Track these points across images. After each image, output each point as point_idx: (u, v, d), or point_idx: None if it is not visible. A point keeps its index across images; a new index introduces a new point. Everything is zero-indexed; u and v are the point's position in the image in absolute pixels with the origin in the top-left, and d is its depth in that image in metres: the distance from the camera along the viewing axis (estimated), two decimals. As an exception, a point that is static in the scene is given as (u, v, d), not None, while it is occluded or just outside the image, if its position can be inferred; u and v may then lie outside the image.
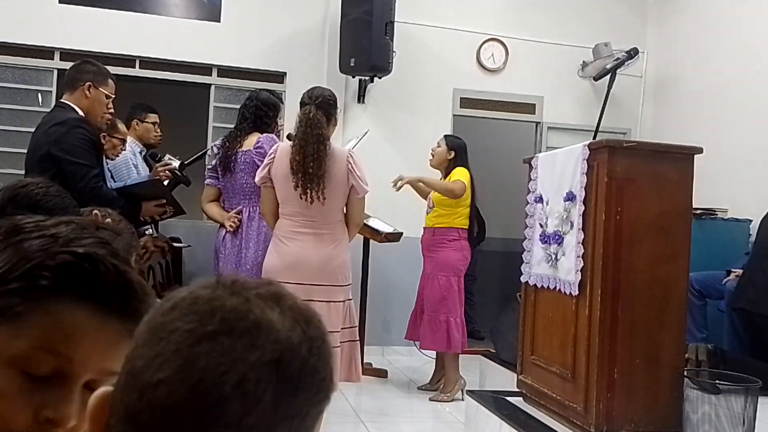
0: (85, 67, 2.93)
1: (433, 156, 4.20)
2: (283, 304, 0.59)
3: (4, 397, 0.65)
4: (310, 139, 2.72)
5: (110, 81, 2.95)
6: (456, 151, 4.14)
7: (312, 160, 2.69)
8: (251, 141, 3.24)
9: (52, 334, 0.66)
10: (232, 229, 3.20)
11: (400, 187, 4.11)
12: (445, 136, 4.29)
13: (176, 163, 3.68)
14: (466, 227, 4.08)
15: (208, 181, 3.41)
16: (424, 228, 4.22)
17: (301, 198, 2.71)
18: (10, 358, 0.65)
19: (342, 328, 2.81)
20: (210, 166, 3.43)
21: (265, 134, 3.25)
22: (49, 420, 0.67)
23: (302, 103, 2.84)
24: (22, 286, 0.66)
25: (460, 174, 4.05)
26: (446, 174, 4.13)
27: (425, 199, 4.30)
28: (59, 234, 0.70)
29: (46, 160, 2.75)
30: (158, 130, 4.31)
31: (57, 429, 0.68)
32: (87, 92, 2.87)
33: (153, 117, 4.27)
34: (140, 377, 0.55)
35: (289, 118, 3.50)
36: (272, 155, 2.82)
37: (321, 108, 2.78)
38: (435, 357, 4.31)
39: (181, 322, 0.56)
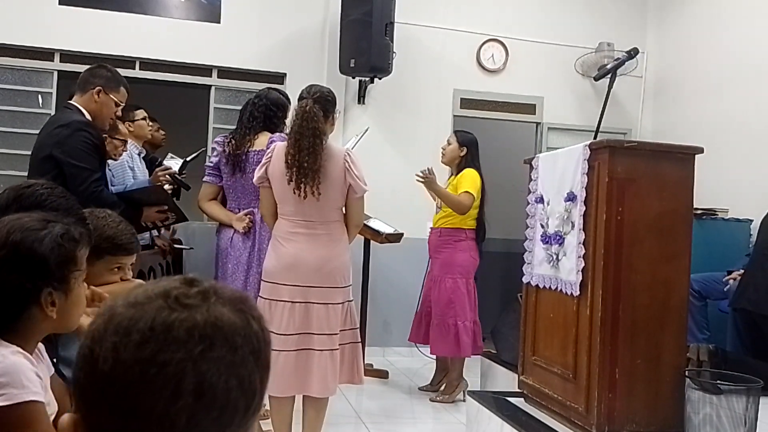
0: (100, 71, 2.90)
1: (444, 154, 4.15)
2: (223, 297, 0.67)
3: None
4: (306, 133, 2.66)
5: (122, 89, 2.93)
6: (468, 147, 4.07)
7: (307, 154, 2.64)
8: (263, 141, 3.18)
9: None
10: (244, 232, 3.16)
11: (421, 180, 3.92)
12: (456, 132, 4.22)
13: (178, 162, 3.66)
14: (474, 228, 4.02)
15: (207, 179, 3.34)
16: (432, 228, 4.19)
17: (294, 193, 2.67)
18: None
19: (342, 330, 2.77)
20: (210, 164, 3.38)
21: (277, 134, 3.22)
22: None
23: (300, 98, 2.80)
24: None
25: (469, 180, 3.95)
26: (457, 171, 4.07)
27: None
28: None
29: (48, 162, 2.73)
30: (152, 124, 4.30)
31: None
32: (96, 96, 2.85)
33: (140, 113, 4.25)
34: (153, 411, 0.61)
35: (290, 119, 3.49)
36: (269, 154, 2.78)
37: (318, 102, 2.73)
38: (435, 358, 4.30)
39: (169, 352, 0.61)
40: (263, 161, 2.81)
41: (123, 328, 0.63)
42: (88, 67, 2.98)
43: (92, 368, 0.63)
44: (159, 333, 0.62)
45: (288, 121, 3.43)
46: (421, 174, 3.94)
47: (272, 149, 2.80)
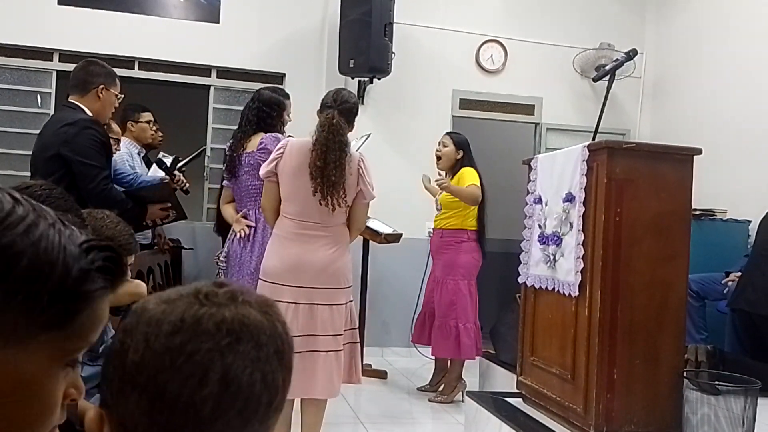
0: (95, 68, 2.90)
1: (440, 158, 4.13)
2: (250, 299, 0.70)
3: (54, 392, 0.67)
4: (333, 146, 2.65)
5: (117, 81, 2.95)
6: (464, 149, 4.07)
7: (334, 168, 2.63)
8: (255, 142, 3.20)
9: (91, 328, 0.67)
10: (240, 235, 3.16)
11: (439, 191, 4.01)
12: (449, 135, 4.21)
13: (169, 160, 3.67)
14: (476, 228, 4.01)
15: (225, 182, 3.40)
16: (434, 229, 4.19)
17: (320, 204, 2.67)
18: (62, 357, 0.66)
19: (344, 330, 2.79)
20: (225, 167, 3.42)
21: (268, 134, 3.22)
22: (73, 399, 0.70)
23: (325, 105, 2.78)
24: (77, 291, 0.64)
25: (470, 176, 3.96)
26: (453, 174, 4.05)
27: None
28: (84, 231, 0.70)
29: (54, 161, 2.73)
30: (154, 129, 4.30)
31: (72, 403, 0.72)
32: (100, 94, 2.86)
33: (147, 116, 4.26)
34: (180, 398, 0.63)
35: (291, 115, 3.49)
36: (281, 150, 2.74)
37: (343, 114, 2.73)
38: (434, 358, 4.29)
39: (197, 343, 0.64)
40: (273, 156, 2.77)
41: (155, 320, 0.66)
42: (77, 66, 2.96)
43: (122, 359, 0.66)
44: (189, 325, 0.65)
45: (288, 119, 3.43)
46: (437, 183, 3.95)
47: (284, 145, 2.76)
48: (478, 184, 3.94)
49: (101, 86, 2.85)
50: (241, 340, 0.66)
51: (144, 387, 0.64)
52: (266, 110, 3.28)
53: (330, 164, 2.64)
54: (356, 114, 2.84)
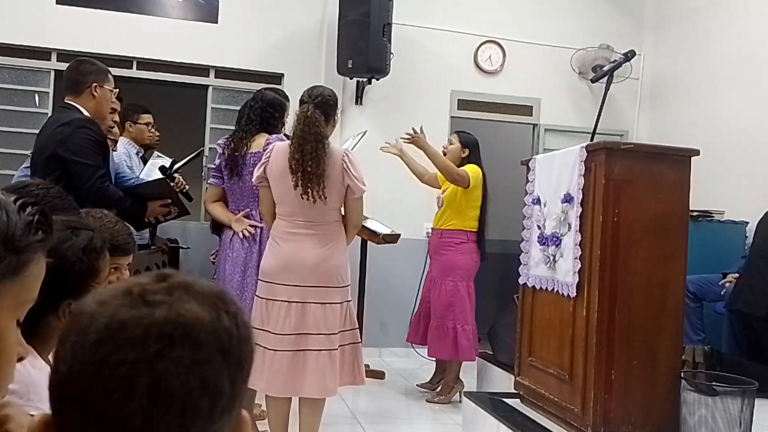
0: (86, 67, 2.89)
1: (445, 154, 4.13)
2: (194, 292, 0.63)
3: (11, 344, 0.72)
4: (308, 138, 2.67)
5: (110, 76, 2.95)
6: (470, 148, 4.08)
7: (310, 159, 2.65)
8: (260, 142, 3.17)
9: (36, 280, 0.73)
10: (244, 235, 3.14)
11: (408, 141, 4.11)
12: (457, 133, 4.22)
13: (167, 162, 3.65)
14: (475, 230, 4.01)
15: (211, 181, 3.36)
16: (432, 229, 4.19)
17: (302, 198, 2.67)
18: (16, 307, 0.72)
19: (342, 331, 2.77)
20: (214, 166, 3.39)
21: (274, 135, 3.22)
22: (20, 357, 0.73)
23: (301, 101, 2.80)
24: (25, 241, 0.71)
25: (470, 169, 3.98)
26: None
27: (416, 174, 4.25)
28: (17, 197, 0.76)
29: (52, 161, 2.74)
30: (152, 130, 4.30)
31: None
32: (94, 93, 2.86)
33: (146, 117, 4.25)
34: (107, 414, 0.58)
35: (289, 118, 3.49)
36: (268, 154, 2.79)
37: (319, 107, 2.74)
38: (435, 358, 4.29)
39: (122, 353, 0.58)
40: (262, 161, 2.81)
41: (83, 327, 0.60)
42: (68, 67, 2.95)
43: (56, 369, 0.62)
44: (113, 332, 0.59)
45: (287, 121, 3.43)
46: (407, 134, 4.02)
47: (271, 149, 2.81)
48: (474, 177, 3.94)
49: (94, 84, 2.86)
50: (175, 344, 0.59)
51: (73, 400, 0.60)
52: (270, 111, 3.27)
53: (306, 155, 2.65)
54: (334, 107, 2.84)
